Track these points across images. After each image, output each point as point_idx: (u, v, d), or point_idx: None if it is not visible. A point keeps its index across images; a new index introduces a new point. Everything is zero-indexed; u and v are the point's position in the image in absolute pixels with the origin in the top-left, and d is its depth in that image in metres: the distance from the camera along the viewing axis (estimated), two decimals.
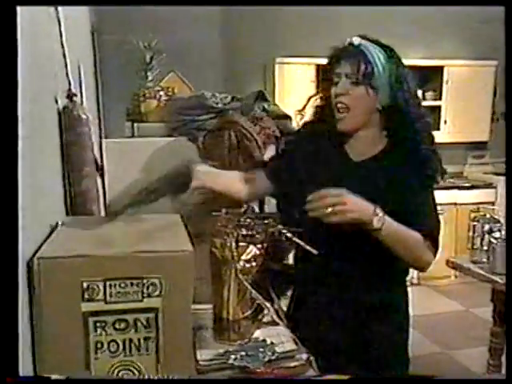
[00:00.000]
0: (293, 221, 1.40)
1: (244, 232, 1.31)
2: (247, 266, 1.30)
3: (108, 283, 0.94)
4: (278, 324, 1.37)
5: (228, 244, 1.28)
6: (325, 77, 1.52)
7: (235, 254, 1.28)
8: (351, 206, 1.29)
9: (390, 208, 1.35)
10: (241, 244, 1.30)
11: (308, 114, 1.58)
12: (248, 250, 1.30)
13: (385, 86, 1.40)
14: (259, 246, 1.32)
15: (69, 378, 0.93)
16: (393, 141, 1.46)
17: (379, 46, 1.42)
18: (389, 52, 1.42)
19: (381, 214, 1.32)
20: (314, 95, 1.55)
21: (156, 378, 1.00)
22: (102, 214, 2.00)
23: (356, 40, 1.42)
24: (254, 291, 1.30)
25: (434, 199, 1.49)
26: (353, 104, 1.42)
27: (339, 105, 1.43)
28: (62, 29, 1.54)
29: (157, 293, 0.98)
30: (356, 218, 1.30)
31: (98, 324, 0.95)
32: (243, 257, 1.29)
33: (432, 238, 1.44)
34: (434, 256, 1.46)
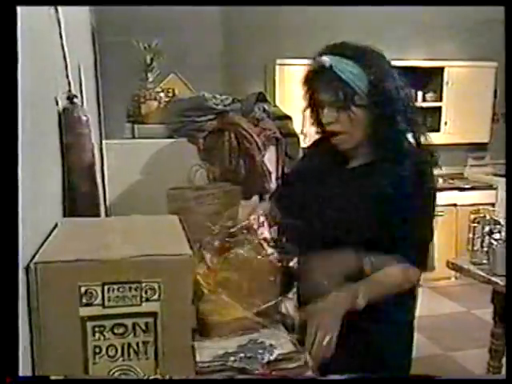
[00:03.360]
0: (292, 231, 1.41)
1: None
2: None
3: (106, 287, 0.94)
4: (277, 325, 1.37)
5: None
6: (309, 103, 1.47)
7: None
8: (332, 314, 1.31)
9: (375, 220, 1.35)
10: None
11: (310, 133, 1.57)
12: None
13: (368, 97, 1.35)
14: None
15: (68, 378, 0.93)
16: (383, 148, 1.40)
17: (347, 57, 1.35)
18: (359, 59, 1.35)
19: (361, 293, 1.33)
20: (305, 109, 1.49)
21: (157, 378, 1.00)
22: (102, 215, 2.00)
23: (326, 61, 1.34)
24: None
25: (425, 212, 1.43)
26: (344, 128, 1.40)
27: (332, 132, 1.42)
28: (62, 30, 1.54)
29: (155, 297, 0.97)
30: (345, 310, 1.32)
31: (96, 329, 0.95)
32: None
33: (414, 260, 1.40)
34: (423, 269, 1.43)
